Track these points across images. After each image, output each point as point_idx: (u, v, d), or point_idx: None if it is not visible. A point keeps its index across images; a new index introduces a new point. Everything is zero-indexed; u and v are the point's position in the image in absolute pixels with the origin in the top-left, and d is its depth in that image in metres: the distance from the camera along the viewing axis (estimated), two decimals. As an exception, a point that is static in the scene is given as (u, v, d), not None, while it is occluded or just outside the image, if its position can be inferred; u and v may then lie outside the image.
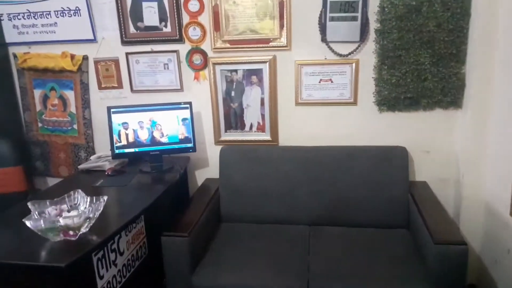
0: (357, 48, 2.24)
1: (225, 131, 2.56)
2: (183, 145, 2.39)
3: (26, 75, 2.68)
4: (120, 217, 1.80)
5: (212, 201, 2.33)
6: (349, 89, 2.33)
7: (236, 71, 2.43)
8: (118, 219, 1.76)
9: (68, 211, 1.57)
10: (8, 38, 2.61)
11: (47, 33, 2.55)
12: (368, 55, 2.25)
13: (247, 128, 2.53)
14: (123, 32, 2.47)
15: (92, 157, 2.53)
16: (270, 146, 2.48)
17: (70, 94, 2.66)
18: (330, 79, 2.33)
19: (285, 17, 2.25)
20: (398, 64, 2.21)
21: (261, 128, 2.51)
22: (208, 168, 2.64)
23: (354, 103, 2.34)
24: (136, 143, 2.33)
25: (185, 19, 2.39)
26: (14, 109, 2.74)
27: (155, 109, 2.36)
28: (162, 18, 2.41)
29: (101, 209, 1.59)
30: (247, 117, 2.51)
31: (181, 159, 2.51)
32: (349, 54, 2.25)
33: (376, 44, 2.22)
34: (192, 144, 2.40)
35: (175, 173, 2.32)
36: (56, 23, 2.51)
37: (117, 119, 2.30)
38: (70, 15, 2.47)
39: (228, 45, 2.38)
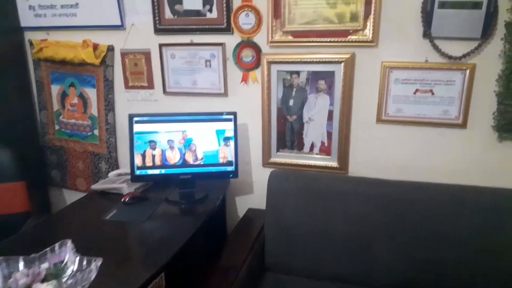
0: (476, 49, 1.56)
1: (278, 151, 1.96)
2: (222, 169, 1.83)
3: (42, 67, 2.24)
4: (128, 279, 1.26)
5: (256, 244, 1.76)
6: (457, 106, 1.65)
7: (298, 73, 1.82)
8: (124, 284, 1.22)
9: (44, 279, 1.05)
10: (24, 22, 2.17)
11: (67, 16, 2.07)
12: (491, 60, 1.57)
13: (306, 148, 1.92)
14: (157, 18, 1.93)
15: (110, 174, 2.03)
16: (337, 175, 1.86)
17: (91, 93, 2.18)
18: (431, 90, 1.67)
19: (373, 0, 1.61)
20: (538, 74, 1.51)
21: (325, 150, 1.89)
22: (252, 195, 2.07)
23: (463, 125, 1.66)
24: (163, 165, 1.79)
25: (236, 1, 1.81)
26: (29, 107, 2.31)
27: (189, 120, 1.81)
28: (207, 0, 1.85)
29: (93, 278, 1.05)
30: (307, 134, 1.90)
31: (218, 183, 1.96)
32: (463, 56, 1.58)
33: (506, 44, 1.53)
34: (233, 167, 1.83)
35: (210, 204, 1.77)
36: (77, 4, 2.03)
37: (141, 130, 1.77)
38: (93, -6, 1.98)
39: (290, 38, 1.78)
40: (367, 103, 1.77)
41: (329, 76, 1.78)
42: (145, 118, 1.79)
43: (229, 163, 1.83)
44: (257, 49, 1.85)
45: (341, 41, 1.71)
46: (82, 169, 2.31)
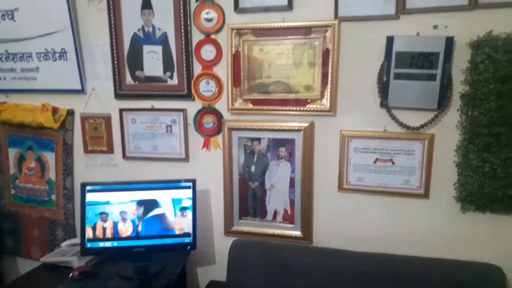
0: (433, 119, 1.55)
1: (240, 218, 1.89)
2: (178, 240, 1.73)
3: (1, 130, 2.17)
4: None
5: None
6: (418, 176, 1.62)
7: (258, 140, 1.79)
8: None
9: None
10: (-17, 84, 2.13)
11: (27, 79, 2.04)
12: (449, 130, 1.56)
13: (269, 216, 1.85)
14: (117, 83, 1.91)
15: (63, 244, 1.93)
16: (301, 246, 1.78)
17: (50, 157, 2.10)
18: (391, 160, 1.64)
19: (329, 71, 1.62)
20: (496, 146, 1.49)
21: (288, 219, 1.82)
22: (215, 266, 1.96)
23: (425, 195, 1.62)
24: (114, 237, 1.69)
25: (197, 69, 1.81)
26: (-16, 170, 2.21)
27: (145, 188, 1.74)
28: (167, 67, 1.84)
29: None
30: (270, 201, 1.83)
31: (177, 253, 1.85)
32: (421, 127, 1.56)
33: (462, 115, 1.53)
34: (191, 239, 1.74)
35: (167, 279, 1.65)
36: (38, 67, 2.00)
37: (93, 200, 1.69)
38: (54, 59, 1.96)
39: (250, 106, 1.76)
40: (328, 171, 1.72)
41: (289, 144, 1.75)
42: (98, 187, 1.71)
43: (186, 234, 1.74)
44: (218, 116, 1.82)
45: (299, 110, 1.69)
46: (37, 236, 2.18)
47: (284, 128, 1.73)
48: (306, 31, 1.62)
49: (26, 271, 1.86)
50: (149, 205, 1.72)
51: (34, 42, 1.96)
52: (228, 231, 1.90)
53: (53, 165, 2.10)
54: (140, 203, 1.71)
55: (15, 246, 2.24)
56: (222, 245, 1.91)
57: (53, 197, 2.12)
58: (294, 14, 1.63)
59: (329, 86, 1.63)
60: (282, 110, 1.72)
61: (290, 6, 1.61)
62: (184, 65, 1.81)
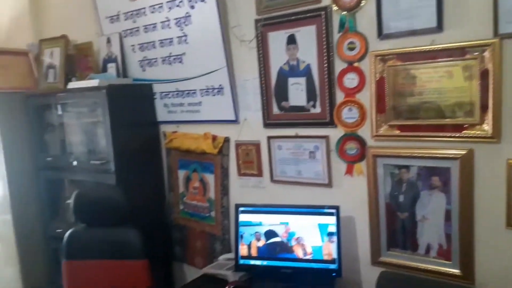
0: None
1: (388, 249, 1.80)
2: (324, 266, 1.76)
3: (172, 155, 2.56)
4: None
5: None
6: None
7: (407, 167, 1.69)
8: None
9: None
10: (160, 117, 2.55)
11: (192, 112, 2.37)
12: None
13: (421, 250, 1.72)
14: (265, 113, 2.07)
15: (220, 258, 2.15)
16: (460, 286, 1.60)
17: (210, 178, 2.38)
18: None
19: (490, 93, 1.44)
20: None
21: (444, 254, 1.66)
22: (362, 296, 1.91)
23: None
24: (265, 257, 1.83)
25: (339, 97, 1.83)
26: (161, 189, 2.63)
27: (292, 212, 1.84)
28: (311, 97, 1.90)
29: None
30: (422, 234, 1.70)
31: (320, 282, 1.86)
32: None
33: None
34: (336, 265, 1.74)
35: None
36: (200, 102, 2.31)
37: (246, 220, 1.87)
38: (213, 94, 2.23)
39: (396, 132, 1.69)
40: (493, 205, 1.52)
41: (443, 173, 1.61)
42: (249, 209, 1.88)
43: (331, 261, 1.75)
44: (361, 142, 1.80)
45: (455, 136, 1.54)
46: (200, 247, 2.48)
47: (436, 155, 1.60)
48: (459, 52, 1.48)
49: (191, 278, 2.16)
50: (297, 228, 1.81)
51: (198, 81, 2.27)
52: (375, 261, 1.83)
53: (213, 185, 2.37)
54: (288, 226, 1.81)
55: (183, 254, 2.60)
56: (368, 275, 1.84)
57: (212, 213, 2.39)
58: (444, 35, 1.51)
59: (490, 110, 1.45)
60: (434, 136, 1.60)
61: (439, 27, 1.50)
62: (327, 93, 1.85)
